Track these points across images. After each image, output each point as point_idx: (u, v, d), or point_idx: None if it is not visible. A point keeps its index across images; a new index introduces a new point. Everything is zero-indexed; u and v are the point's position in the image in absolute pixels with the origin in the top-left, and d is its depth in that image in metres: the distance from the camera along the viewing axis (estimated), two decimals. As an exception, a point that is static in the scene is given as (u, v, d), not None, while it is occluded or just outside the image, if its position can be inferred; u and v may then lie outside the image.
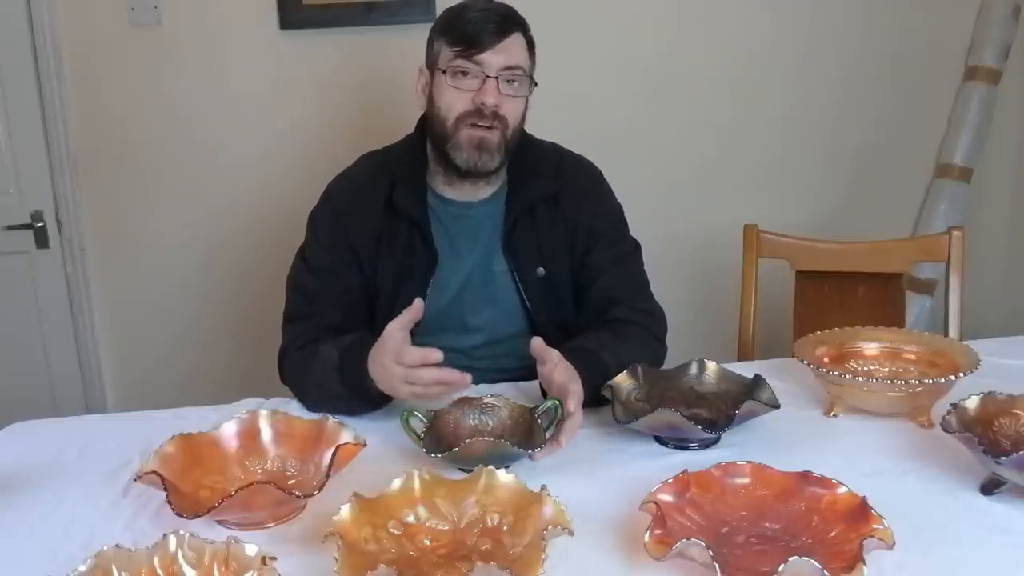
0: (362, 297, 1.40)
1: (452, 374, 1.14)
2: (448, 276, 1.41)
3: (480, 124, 1.31)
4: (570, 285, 1.44)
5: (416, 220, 1.38)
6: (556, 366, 1.18)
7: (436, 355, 1.14)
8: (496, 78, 1.29)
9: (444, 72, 1.31)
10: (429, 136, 1.39)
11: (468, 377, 1.14)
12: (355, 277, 1.39)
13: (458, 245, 1.41)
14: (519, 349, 1.20)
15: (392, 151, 1.46)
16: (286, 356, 1.37)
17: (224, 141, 2.22)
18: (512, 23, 1.32)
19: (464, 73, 1.30)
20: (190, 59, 2.17)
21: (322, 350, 1.29)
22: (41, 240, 2.19)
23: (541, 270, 1.41)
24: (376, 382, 1.20)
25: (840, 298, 1.81)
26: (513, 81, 1.32)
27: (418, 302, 1.17)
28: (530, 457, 1.08)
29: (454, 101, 1.31)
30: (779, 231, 1.85)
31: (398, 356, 1.15)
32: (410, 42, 2.17)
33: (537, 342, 1.20)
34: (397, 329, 1.16)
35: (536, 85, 1.36)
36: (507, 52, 1.30)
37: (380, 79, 2.21)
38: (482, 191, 1.41)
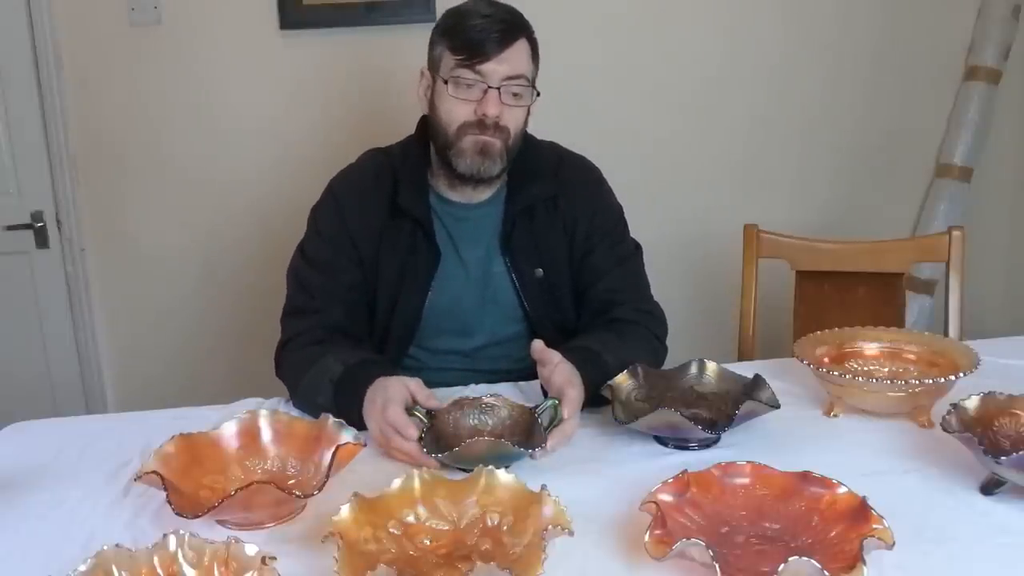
0: (362, 295, 1.39)
1: (416, 456, 1.09)
2: (450, 276, 1.40)
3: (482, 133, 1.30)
4: (569, 286, 1.43)
5: (419, 219, 1.37)
6: (556, 367, 1.18)
7: (411, 433, 1.10)
8: (498, 88, 1.28)
9: (446, 82, 1.29)
10: (432, 140, 1.37)
11: (430, 463, 1.07)
12: (355, 273, 1.38)
13: (460, 246, 1.41)
14: (518, 351, 1.19)
15: (394, 151, 1.45)
16: (285, 350, 1.35)
17: (224, 141, 2.22)
18: (516, 29, 1.29)
19: (466, 84, 1.28)
20: (190, 59, 2.16)
21: (325, 360, 1.25)
22: (41, 240, 2.19)
23: (539, 271, 1.40)
24: (363, 404, 1.17)
25: (840, 298, 1.81)
26: (516, 92, 1.30)
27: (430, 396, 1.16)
28: (530, 457, 1.08)
29: (456, 111, 1.30)
30: (779, 231, 1.85)
31: (384, 406, 1.12)
32: (410, 42, 2.18)
33: (538, 344, 1.20)
34: (413, 385, 1.15)
35: (539, 95, 1.34)
36: (510, 61, 1.28)
37: (380, 79, 2.21)
38: (482, 193, 1.41)
